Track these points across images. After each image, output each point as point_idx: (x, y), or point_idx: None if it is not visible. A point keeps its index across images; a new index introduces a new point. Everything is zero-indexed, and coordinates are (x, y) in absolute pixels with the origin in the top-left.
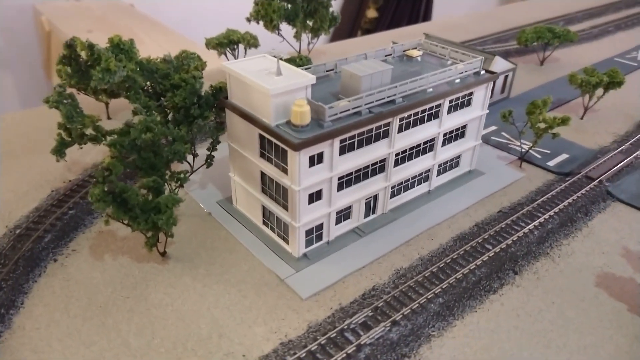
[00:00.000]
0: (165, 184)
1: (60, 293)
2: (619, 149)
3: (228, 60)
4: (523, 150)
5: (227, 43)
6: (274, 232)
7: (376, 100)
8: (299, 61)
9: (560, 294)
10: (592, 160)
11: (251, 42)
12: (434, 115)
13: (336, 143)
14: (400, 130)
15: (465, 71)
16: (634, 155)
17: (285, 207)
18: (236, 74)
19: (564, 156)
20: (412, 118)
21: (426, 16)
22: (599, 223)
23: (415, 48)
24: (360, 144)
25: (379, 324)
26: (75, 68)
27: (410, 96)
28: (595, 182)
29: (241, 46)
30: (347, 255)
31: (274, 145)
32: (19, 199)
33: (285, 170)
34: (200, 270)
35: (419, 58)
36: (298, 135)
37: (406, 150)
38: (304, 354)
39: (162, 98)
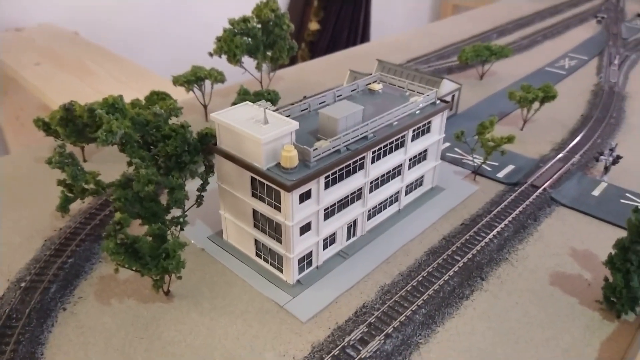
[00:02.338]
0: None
1: (76, 341)
2: (557, 157)
3: (195, 95)
4: (476, 164)
5: (194, 80)
6: (267, 263)
7: (352, 139)
8: (267, 96)
9: (521, 295)
10: (535, 169)
11: (218, 78)
12: (400, 144)
13: (321, 180)
14: (373, 161)
15: (424, 103)
16: (570, 162)
17: (279, 240)
18: (226, 124)
19: (511, 167)
20: (382, 150)
21: (365, 25)
22: (547, 227)
23: (376, 81)
24: (341, 178)
25: (374, 338)
26: (73, 128)
27: (379, 131)
28: (540, 190)
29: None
30: (336, 277)
31: (266, 186)
32: (14, 251)
33: (278, 208)
34: (204, 305)
35: (380, 91)
36: (289, 177)
37: (379, 177)
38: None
39: (151, 147)
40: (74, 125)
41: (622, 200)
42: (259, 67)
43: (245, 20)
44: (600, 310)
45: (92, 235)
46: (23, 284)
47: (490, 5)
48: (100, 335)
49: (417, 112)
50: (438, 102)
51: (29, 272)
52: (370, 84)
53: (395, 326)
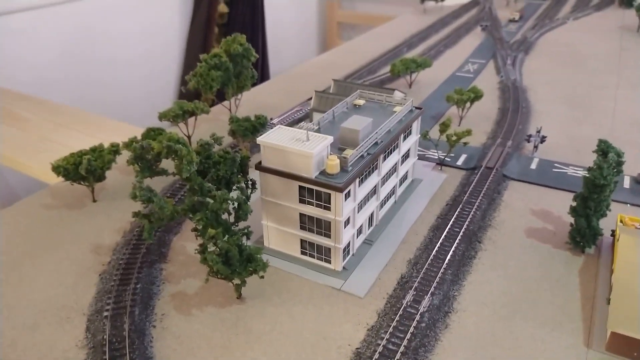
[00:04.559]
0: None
1: (180, 349)
2: (496, 144)
3: (179, 128)
4: (439, 157)
5: (182, 114)
6: (314, 257)
7: (369, 145)
8: (258, 120)
9: (511, 249)
10: (483, 155)
11: (205, 110)
12: (396, 146)
13: (357, 180)
14: (383, 161)
15: (406, 111)
16: (506, 146)
17: (327, 235)
18: (275, 145)
19: (464, 156)
20: (387, 151)
21: (264, 50)
22: (508, 197)
23: (358, 98)
24: (366, 177)
25: (424, 297)
26: (145, 164)
27: (382, 137)
28: (494, 170)
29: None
30: (370, 260)
31: (315, 191)
32: (74, 289)
33: (327, 208)
34: (274, 300)
35: (363, 105)
36: (337, 181)
37: (385, 174)
38: (391, 329)
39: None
40: (147, 161)
41: (553, 170)
42: (228, 97)
43: (215, 55)
44: (569, 250)
45: (146, 262)
46: (106, 314)
47: (389, 23)
48: (199, 339)
49: (403, 118)
50: (413, 108)
51: (106, 303)
52: (355, 100)
53: (434, 286)
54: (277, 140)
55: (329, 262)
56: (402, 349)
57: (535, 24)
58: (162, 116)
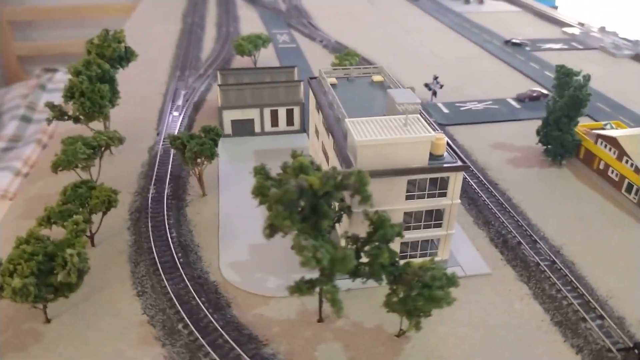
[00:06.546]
0: None
1: None
2: None
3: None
4: None
5: (92, 153)
6: (416, 257)
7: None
8: (214, 132)
9: (519, 181)
10: None
11: (121, 139)
12: None
13: None
14: None
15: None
16: None
17: (438, 225)
18: (379, 141)
19: None
20: None
21: None
22: (461, 141)
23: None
24: None
25: (538, 250)
26: (295, 212)
27: None
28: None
29: None
30: (456, 241)
31: (429, 180)
32: None
33: (442, 194)
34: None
35: (339, 83)
36: (452, 160)
37: None
38: (560, 287)
39: None
40: (295, 208)
41: (460, 109)
42: (106, 114)
43: (88, 62)
44: (551, 165)
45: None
46: None
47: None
48: None
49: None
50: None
51: None
52: (329, 78)
53: (537, 238)
54: (376, 135)
55: (435, 254)
56: (583, 299)
57: None
58: (65, 165)
